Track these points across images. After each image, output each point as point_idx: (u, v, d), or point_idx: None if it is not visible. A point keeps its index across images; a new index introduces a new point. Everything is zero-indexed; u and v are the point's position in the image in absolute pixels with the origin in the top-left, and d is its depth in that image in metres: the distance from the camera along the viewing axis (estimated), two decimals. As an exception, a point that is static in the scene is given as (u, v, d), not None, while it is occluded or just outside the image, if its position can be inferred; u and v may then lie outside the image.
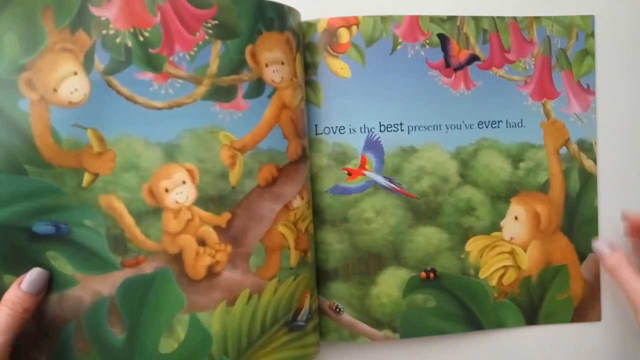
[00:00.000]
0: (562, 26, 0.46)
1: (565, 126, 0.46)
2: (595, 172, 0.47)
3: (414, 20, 0.44)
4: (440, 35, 0.44)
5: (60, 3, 0.34)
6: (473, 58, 0.45)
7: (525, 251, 0.46)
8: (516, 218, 0.46)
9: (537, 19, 0.46)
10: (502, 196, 0.45)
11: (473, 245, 0.45)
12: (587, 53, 0.47)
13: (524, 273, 0.46)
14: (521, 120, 0.46)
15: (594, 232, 0.47)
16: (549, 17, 0.46)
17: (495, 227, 0.45)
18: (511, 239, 0.46)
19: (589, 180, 0.47)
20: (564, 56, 0.46)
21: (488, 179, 0.45)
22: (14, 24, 0.34)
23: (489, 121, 0.45)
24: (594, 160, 0.47)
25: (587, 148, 0.47)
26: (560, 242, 0.46)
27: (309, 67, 0.43)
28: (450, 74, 0.44)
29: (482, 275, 0.45)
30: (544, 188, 0.46)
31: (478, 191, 0.45)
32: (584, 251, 0.47)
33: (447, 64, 0.44)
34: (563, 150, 0.46)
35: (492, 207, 0.45)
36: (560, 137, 0.46)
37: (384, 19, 0.43)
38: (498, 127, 0.45)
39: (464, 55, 0.45)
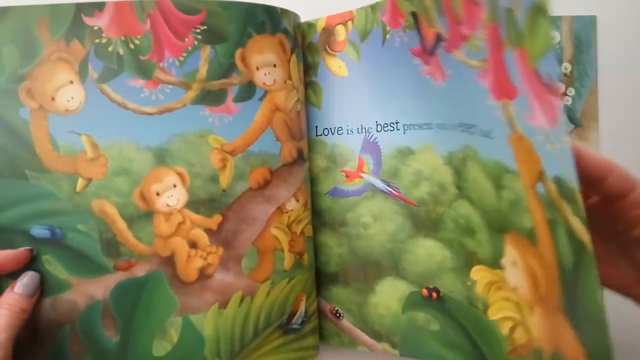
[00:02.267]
0: None
1: (534, 148, 0.27)
2: (589, 243, 0.24)
3: (394, 3, 0.39)
4: (412, 14, 0.38)
5: (55, 13, 0.36)
6: (439, 38, 0.36)
7: (532, 313, 0.33)
8: (515, 263, 0.34)
9: None
10: (495, 227, 0.36)
11: (479, 276, 0.38)
12: (540, 12, 0.24)
13: (535, 342, 0.33)
14: (490, 128, 0.33)
15: (604, 339, 0.24)
16: None
17: (497, 263, 0.36)
18: (515, 289, 0.35)
19: (582, 255, 0.25)
20: (512, 22, 0.26)
21: (480, 198, 0.37)
22: (13, 36, 0.36)
23: (466, 124, 0.36)
24: (583, 221, 0.24)
25: (569, 196, 0.25)
26: (563, 331, 0.28)
27: (310, 68, 0.42)
28: (428, 61, 0.38)
29: (492, 316, 0.37)
30: (532, 237, 0.31)
31: (475, 211, 0.38)
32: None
33: (424, 48, 0.38)
34: (540, 187, 0.28)
35: (490, 236, 0.37)
36: (532, 165, 0.28)
37: (373, 7, 0.40)
38: (474, 133, 0.35)
39: (431, 35, 0.37)
